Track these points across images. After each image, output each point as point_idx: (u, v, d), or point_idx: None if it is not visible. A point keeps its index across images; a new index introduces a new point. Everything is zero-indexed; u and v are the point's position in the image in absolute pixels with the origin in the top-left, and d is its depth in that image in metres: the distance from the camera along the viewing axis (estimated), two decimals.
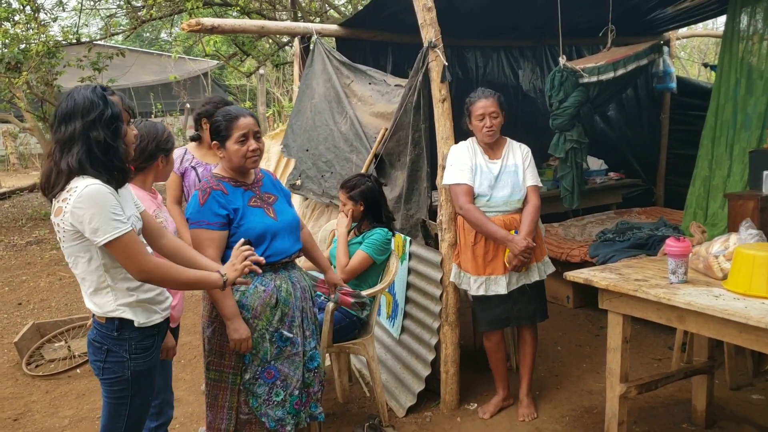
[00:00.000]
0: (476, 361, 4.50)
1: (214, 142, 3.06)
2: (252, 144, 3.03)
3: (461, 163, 3.79)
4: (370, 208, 3.95)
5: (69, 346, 5.19)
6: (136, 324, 2.48)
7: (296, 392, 3.10)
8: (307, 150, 5.36)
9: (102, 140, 2.34)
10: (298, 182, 5.40)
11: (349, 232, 4.08)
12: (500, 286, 3.74)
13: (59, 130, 2.36)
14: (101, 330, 2.47)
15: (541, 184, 3.88)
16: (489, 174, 3.77)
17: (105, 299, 2.45)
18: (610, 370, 3.40)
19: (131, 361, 2.49)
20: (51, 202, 2.39)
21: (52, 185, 2.35)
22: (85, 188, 2.28)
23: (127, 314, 2.47)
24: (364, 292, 3.66)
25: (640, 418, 3.83)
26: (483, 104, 3.75)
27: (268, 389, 3.06)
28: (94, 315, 2.51)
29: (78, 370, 4.94)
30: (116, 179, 2.40)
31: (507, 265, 3.70)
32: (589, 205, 6.76)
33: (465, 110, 3.83)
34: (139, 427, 2.63)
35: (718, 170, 5.08)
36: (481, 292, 3.78)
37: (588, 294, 5.53)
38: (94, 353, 2.49)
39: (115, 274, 2.43)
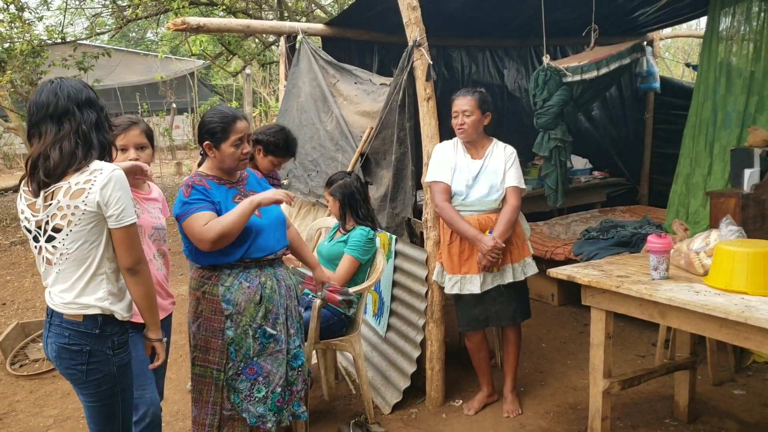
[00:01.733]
0: (461, 359, 4.52)
1: (207, 142, 3.06)
2: (246, 147, 3.06)
3: (441, 161, 3.81)
4: (347, 203, 3.97)
5: None
6: (119, 317, 2.48)
7: (278, 389, 3.12)
8: None
9: (108, 127, 2.49)
10: (285, 182, 5.40)
11: (335, 231, 4.09)
12: (474, 285, 3.77)
13: (83, 114, 2.41)
14: (78, 330, 2.41)
15: (523, 186, 3.88)
16: (467, 173, 3.79)
17: (99, 288, 2.43)
18: (594, 365, 3.43)
19: (115, 357, 2.47)
20: (40, 188, 2.35)
21: (67, 167, 2.35)
22: (114, 171, 2.37)
23: (115, 306, 2.46)
24: (351, 290, 3.67)
25: (623, 414, 3.87)
26: (458, 102, 3.79)
27: (249, 385, 3.07)
28: (61, 317, 2.42)
29: None
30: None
31: (478, 264, 3.72)
32: (574, 203, 6.82)
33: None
34: (131, 422, 2.64)
35: (698, 168, 5.14)
36: (455, 291, 3.80)
37: (572, 292, 5.58)
38: (73, 358, 2.42)
39: (111, 262, 2.46)
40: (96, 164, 2.38)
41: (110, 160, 2.49)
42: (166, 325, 3.14)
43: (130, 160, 2.96)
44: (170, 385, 4.58)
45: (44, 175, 2.35)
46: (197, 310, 3.08)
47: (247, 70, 14.39)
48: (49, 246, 2.41)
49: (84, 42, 11.93)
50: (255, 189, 3.23)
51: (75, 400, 4.40)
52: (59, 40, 10.50)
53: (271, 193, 3.05)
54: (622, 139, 7.64)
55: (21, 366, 5.03)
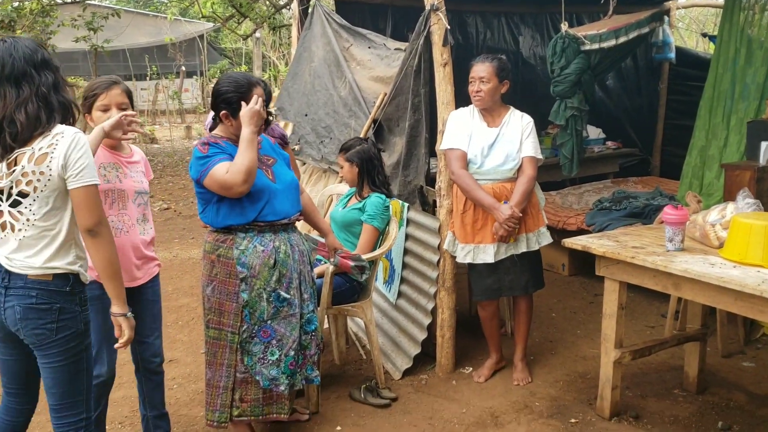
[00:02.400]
0: (471, 326, 4.54)
1: (224, 111, 3.04)
2: (263, 114, 3.05)
3: (457, 128, 3.78)
4: (365, 170, 3.95)
5: None
6: (83, 280, 2.49)
7: (292, 353, 3.15)
8: (306, 115, 5.34)
9: (65, 88, 2.44)
10: (297, 147, 5.38)
11: (349, 197, 4.08)
12: (488, 254, 3.76)
13: (40, 75, 2.34)
14: (48, 289, 2.38)
15: (540, 156, 3.84)
16: (483, 141, 3.75)
17: (69, 253, 2.42)
18: (605, 336, 3.45)
19: (82, 314, 2.48)
20: (6, 153, 2.30)
21: (33, 131, 2.31)
22: (76, 133, 2.34)
23: (83, 269, 2.47)
24: (364, 256, 3.68)
25: (632, 384, 3.89)
26: (475, 68, 3.74)
27: (263, 348, 3.10)
28: (25, 278, 2.36)
29: None
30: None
31: (494, 234, 3.71)
32: (587, 174, 6.77)
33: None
34: (92, 380, 2.62)
35: (714, 140, 5.09)
36: (468, 260, 3.80)
37: (583, 262, 5.58)
38: (42, 317, 2.37)
39: (76, 228, 2.43)
40: (58, 128, 2.34)
41: (73, 121, 2.44)
42: (153, 286, 3.17)
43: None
44: (182, 347, 4.63)
45: (11, 139, 2.29)
46: (212, 273, 3.10)
47: (257, 34, 14.28)
48: (14, 211, 2.36)
49: (93, 2, 11.84)
50: (269, 153, 3.23)
51: None
52: (69, 0, 10.41)
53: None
54: (635, 110, 7.57)
55: None
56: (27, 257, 2.37)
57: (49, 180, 2.31)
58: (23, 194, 2.34)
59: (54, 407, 2.49)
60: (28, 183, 2.32)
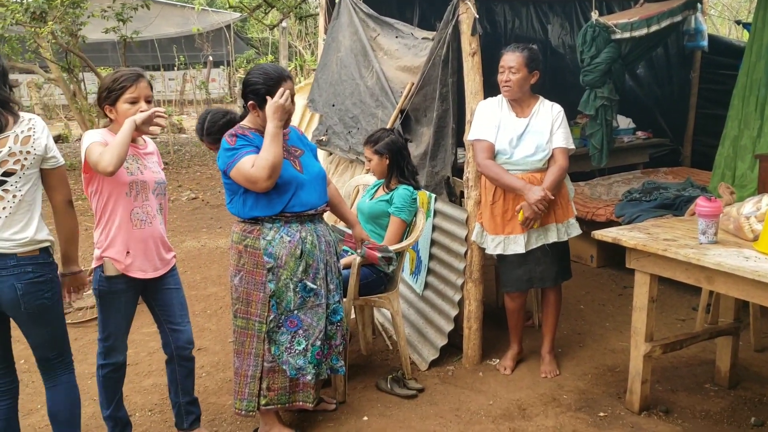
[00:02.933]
0: (498, 318, 4.52)
1: (251, 102, 3.05)
2: (290, 107, 3.05)
3: (485, 119, 3.74)
4: (395, 161, 3.93)
5: None
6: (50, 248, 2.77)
7: (318, 343, 3.16)
8: (333, 105, 5.33)
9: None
10: (325, 138, 5.38)
11: (376, 189, 4.07)
12: (519, 245, 3.72)
13: None
14: (38, 262, 2.69)
15: (572, 146, 3.78)
16: (512, 131, 3.71)
17: (43, 227, 2.73)
18: (635, 329, 3.41)
19: (56, 278, 2.81)
20: None
21: (7, 120, 2.60)
22: (39, 119, 2.70)
23: (51, 238, 2.77)
24: (391, 247, 3.67)
25: (662, 378, 3.84)
26: (505, 58, 3.69)
27: (290, 338, 3.12)
28: (15, 257, 2.63)
29: None
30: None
31: (520, 218, 3.66)
32: (616, 164, 6.67)
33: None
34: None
35: (747, 130, 4.98)
36: (498, 251, 3.77)
37: (612, 253, 5.52)
38: (41, 289, 2.69)
39: (43, 201, 2.75)
40: (24, 114, 2.66)
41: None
42: (174, 274, 3.21)
43: (141, 112, 2.93)
44: (210, 336, 4.66)
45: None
46: (239, 263, 3.12)
47: (284, 24, 14.27)
48: (0, 190, 2.61)
49: None
50: (296, 144, 3.24)
51: None
52: None
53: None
54: (666, 99, 7.44)
55: (66, 314, 5.15)
56: (14, 233, 2.64)
57: (34, 158, 2.64)
58: (9, 173, 2.62)
59: (51, 357, 2.86)
60: (15, 162, 2.60)
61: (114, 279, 2.96)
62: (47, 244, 2.73)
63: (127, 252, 2.96)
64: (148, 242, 3.01)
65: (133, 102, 2.93)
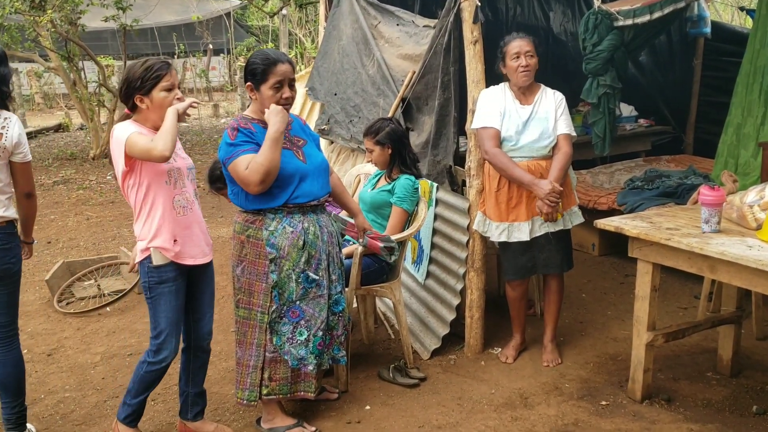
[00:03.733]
0: (500, 307, 4.51)
1: (248, 83, 3.04)
2: (286, 92, 3.03)
3: (490, 106, 3.72)
4: (397, 151, 3.92)
5: (99, 285, 5.29)
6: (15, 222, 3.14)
7: (320, 333, 3.16)
8: (335, 94, 5.31)
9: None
10: (327, 127, 5.36)
11: (378, 178, 4.05)
12: (523, 232, 3.72)
13: None
14: (5, 232, 3.03)
15: (574, 133, 3.78)
16: (518, 119, 3.70)
17: (10, 205, 3.07)
18: (638, 318, 3.40)
19: (19, 247, 3.16)
20: None
21: None
22: (16, 118, 3.02)
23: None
24: (393, 237, 3.66)
25: (665, 366, 3.84)
26: (518, 43, 3.66)
27: (292, 328, 3.12)
28: None
29: (108, 308, 5.04)
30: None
31: (538, 213, 3.65)
32: (618, 152, 6.65)
33: (499, 53, 3.75)
34: None
35: (750, 118, 4.95)
36: (503, 239, 3.76)
37: (614, 242, 5.51)
38: (6, 255, 3.03)
39: (9, 187, 3.08)
40: (3, 113, 2.98)
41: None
42: (211, 263, 3.21)
43: (177, 99, 2.95)
44: (213, 325, 4.65)
45: None
46: (241, 253, 3.11)
47: (284, 11, 14.20)
48: None
49: None
50: (299, 134, 3.22)
51: (120, 338, 4.51)
52: None
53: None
54: (668, 86, 7.40)
55: (68, 304, 5.16)
56: None
57: (3, 151, 2.97)
58: None
59: (4, 323, 3.13)
60: None
61: (163, 268, 2.95)
62: (10, 219, 3.05)
63: (174, 240, 2.95)
64: (193, 228, 3.02)
65: (170, 89, 2.93)
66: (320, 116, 5.51)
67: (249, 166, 2.91)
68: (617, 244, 5.03)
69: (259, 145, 2.97)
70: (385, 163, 3.95)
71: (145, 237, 2.95)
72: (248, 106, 3.22)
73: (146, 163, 2.87)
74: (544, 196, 3.56)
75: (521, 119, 3.69)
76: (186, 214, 3.00)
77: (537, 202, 3.63)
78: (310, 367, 3.17)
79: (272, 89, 3.01)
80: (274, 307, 3.09)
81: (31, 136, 13.59)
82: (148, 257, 2.95)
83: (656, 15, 4.66)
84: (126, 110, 3.00)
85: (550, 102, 3.74)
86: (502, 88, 3.77)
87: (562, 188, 3.61)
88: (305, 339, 3.15)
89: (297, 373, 3.19)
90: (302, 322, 3.14)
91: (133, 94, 2.90)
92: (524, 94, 3.75)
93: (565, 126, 3.72)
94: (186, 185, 3.03)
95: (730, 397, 3.52)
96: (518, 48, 3.66)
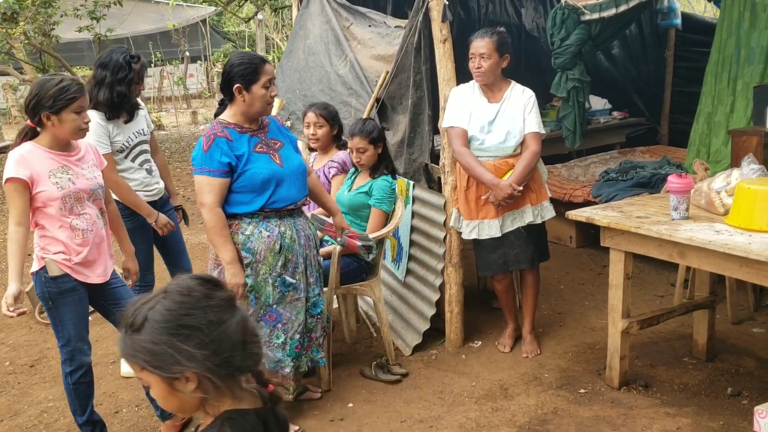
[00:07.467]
0: (479, 301, 4.57)
1: (237, 85, 3.03)
2: (273, 90, 3.09)
3: (458, 105, 3.77)
4: (386, 149, 3.96)
5: None
6: None
7: (297, 336, 3.19)
8: (297, 91, 5.32)
9: None
10: (288, 123, 5.37)
11: (352, 180, 4.06)
12: (493, 229, 3.77)
13: None
14: None
15: (543, 131, 3.83)
16: (484, 118, 3.74)
17: None
18: (612, 306, 3.46)
19: None
20: None
21: None
22: None
23: None
24: (371, 235, 3.69)
25: (642, 353, 3.91)
26: (475, 44, 3.70)
27: (269, 331, 3.15)
28: None
29: (90, 318, 5.01)
30: None
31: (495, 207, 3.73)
32: (593, 145, 6.73)
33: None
34: None
35: (720, 106, 5.03)
36: (473, 236, 3.81)
37: (590, 234, 5.56)
38: None
39: None
40: None
41: None
42: (118, 279, 3.20)
43: (86, 122, 2.91)
44: None
45: None
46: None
47: (259, 16, 14.20)
48: None
49: None
50: (276, 136, 3.23)
51: (103, 346, 4.51)
52: None
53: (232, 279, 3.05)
54: (641, 78, 7.48)
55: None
56: None
57: None
58: None
59: None
60: None
61: (60, 279, 2.91)
62: None
63: (71, 255, 2.92)
64: (91, 251, 2.98)
65: (79, 112, 2.86)
66: (280, 112, 5.52)
67: (209, 203, 3.01)
68: (594, 235, 5.07)
69: (229, 167, 3.01)
70: (372, 162, 3.94)
71: (40, 247, 2.93)
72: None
73: (33, 195, 2.84)
74: (502, 198, 3.64)
75: (487, 118, 3.73)
76: (87, 237, 2.96)
77: (490, 198, 3.69)
78: (287, 370, 3.20)
79: (263, 88, 3.05)
80: (251, 310, 3.11)
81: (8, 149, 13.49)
82: (44, 267, 2.92)
83: (622, 8, 4.73)
84: (29, 122, 2.90)
85: (518, 100, 3.77)
86: (471, 85, 3.82)
87: (521, 188, 3.67)
88: (282, 342, 3.17)
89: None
90: (279, 325, 3.16)
91: (40, 111, 2.82)
92: (492, 90, 3.79)
93: (533, 124, 3.76)
94: (86, 207, 2.97)
95: (706, 381, 3.59)
96: (473, 49, 3.70)
